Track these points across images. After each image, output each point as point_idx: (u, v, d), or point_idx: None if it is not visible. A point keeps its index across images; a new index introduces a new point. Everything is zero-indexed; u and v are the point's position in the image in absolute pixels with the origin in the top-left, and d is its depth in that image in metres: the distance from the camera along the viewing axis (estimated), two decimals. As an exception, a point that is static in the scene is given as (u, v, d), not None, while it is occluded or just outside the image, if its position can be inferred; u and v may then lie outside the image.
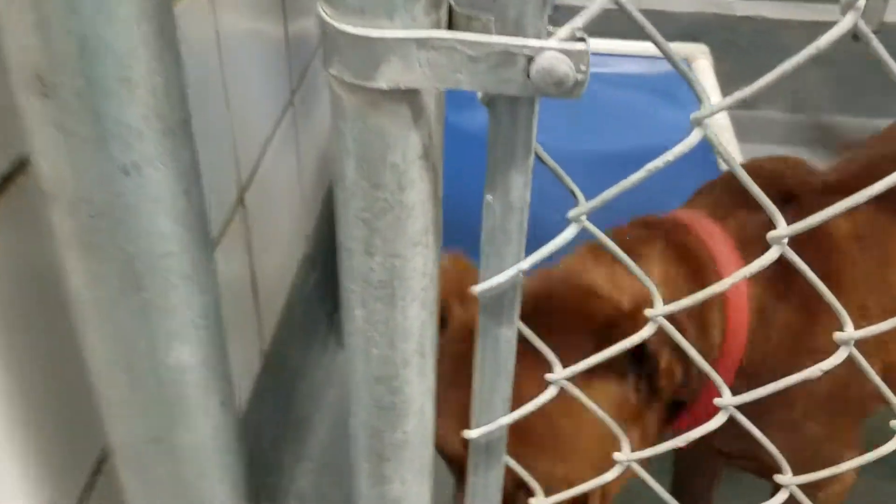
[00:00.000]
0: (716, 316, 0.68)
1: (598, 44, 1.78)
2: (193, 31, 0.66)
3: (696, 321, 0.66)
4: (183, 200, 0.34)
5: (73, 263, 0.34)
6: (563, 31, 0.28)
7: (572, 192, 0.35)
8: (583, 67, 0.28)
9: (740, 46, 1.81)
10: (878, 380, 0.43)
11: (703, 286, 0.38)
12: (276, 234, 0.98)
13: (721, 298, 0.68)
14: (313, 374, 1.19)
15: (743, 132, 1.50)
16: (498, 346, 0.41)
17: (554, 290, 0.66)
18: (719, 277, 0.66)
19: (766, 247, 0.35)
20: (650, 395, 0.64)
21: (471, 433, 0.45)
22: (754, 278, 0.67)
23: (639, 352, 0.61)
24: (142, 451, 0.42)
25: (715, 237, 0.70)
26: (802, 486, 0.49)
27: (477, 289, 0.38)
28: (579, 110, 1.79)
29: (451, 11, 0.30)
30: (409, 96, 0.30)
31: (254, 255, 0.86)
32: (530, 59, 0.28)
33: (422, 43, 0.28)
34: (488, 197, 0.34)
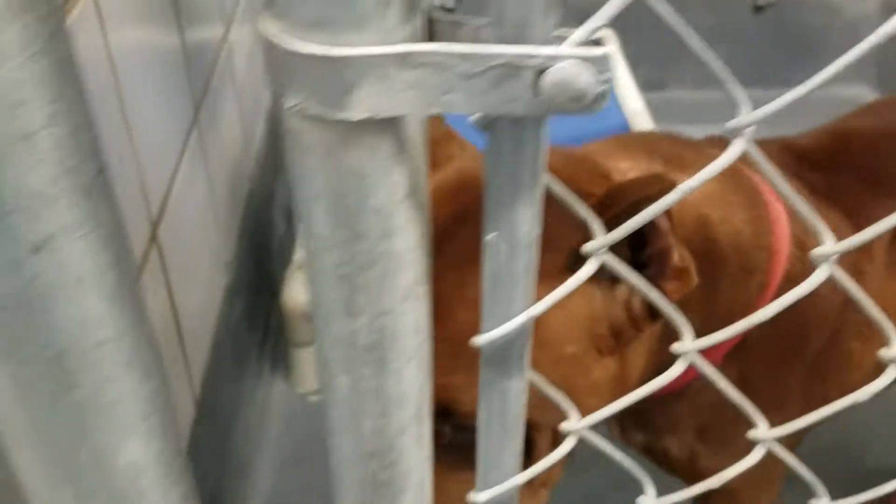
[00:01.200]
0: (763, 256, 0.59)
1: None
2: (82, 53, 0.58)
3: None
4: (113, 273, 0.28)
5: (-17, 364, 0.27)
6: (579, 33, 0.22)
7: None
8: (605, 76, 0.23)
9: (643, 29, 1.80)
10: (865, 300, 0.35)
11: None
12: (195, 267, 0.89)
13: (768, 240, 0.59)
14: (249, 411, 1.11)
15: (655, 114, 1.50)
16: (506, 401, 0.35)
17: (561, 171, 0.52)
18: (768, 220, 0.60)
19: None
20: (644, 313, 0.50)
21: (478, 497, 0.40)
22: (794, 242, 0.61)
23: (638, 249, 0.46)
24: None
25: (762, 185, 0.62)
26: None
27: (480, 340, 0.32)
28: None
29: (430, 18, 0.24)
30: (389, 126, 0.24)
31: (174, 294, 0.78)
32: (540, 71, 0.23)
33: (402, 60, 0.22)
34: (490, 236, 0.29)
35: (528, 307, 0.31)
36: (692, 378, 0.42)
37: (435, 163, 0.56)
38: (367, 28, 0.22)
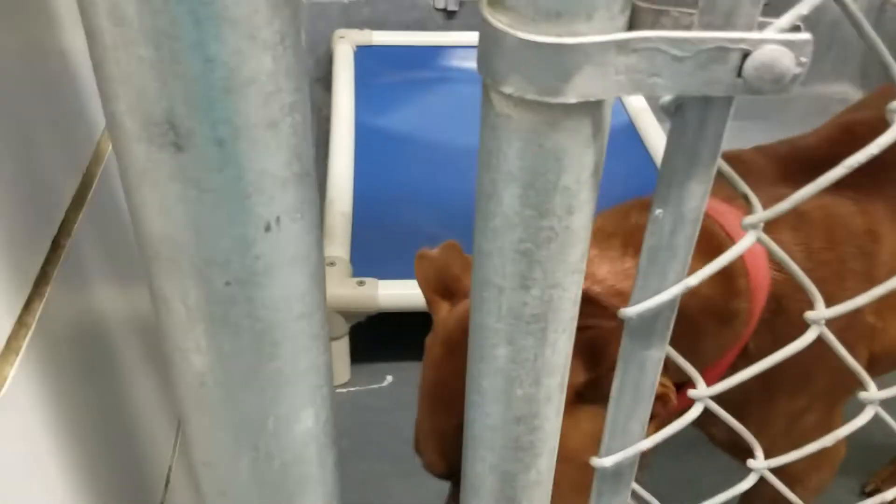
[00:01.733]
0: (742, 302, 0.64)
1: (475, 37, 1.86)
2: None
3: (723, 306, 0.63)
4: (314, 253, 0.30)
5: (197, 342, 0.29)
6: (784, 19, 0.24)
7: (746, 198, 0.32)
8: (804, 60, 0.25)
9: None
10: (850, 360, 0.40)
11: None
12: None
13: (745, 282, 0.64)
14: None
15: (657, 112, 1.53)
16: (644, 370, 0.37)
17: None
18: (742, 260, 0.63)
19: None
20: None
21: (602, 461, 0.42)
22: (774, 264, 0.65)
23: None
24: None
25: (727, 216, 0.66)
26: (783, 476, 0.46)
27: (630, 311, 0.34)
28: (461, 106, 1.81)
29: (633, 7, 0.26)
30: (592, 109, 0.26)
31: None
32: (745, 55, 0.25)
33: (622, 46, 0.25)
34: (658, 212, 0.31)
35: (682, 279, 0.33)
36: None
37: (454, 293, 0.60)
38: (596, 18, 0.24)
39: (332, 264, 1.23)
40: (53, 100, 0.36)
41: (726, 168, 0.30)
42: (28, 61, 0.33)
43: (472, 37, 1.93)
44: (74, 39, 0.39)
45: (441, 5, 2.26)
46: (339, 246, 1.28)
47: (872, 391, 0.42)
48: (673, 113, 0.28)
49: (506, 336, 0.33)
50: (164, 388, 0.54)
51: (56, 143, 0.36)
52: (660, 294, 0.34)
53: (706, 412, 0.41)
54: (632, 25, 0.26)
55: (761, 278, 0.64)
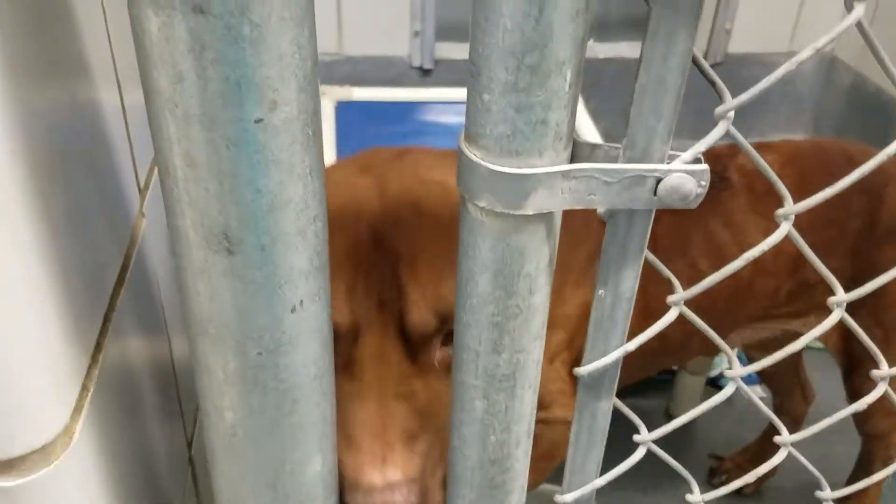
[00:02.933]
0: None
1: (449, 93, 2.01)
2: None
3: None
4: (328, 326, 0.37)
5: (231, 401, 0.36)
6: (688, 154, 0.33)
7: (669, 280, 0.40)
8: (703, 183, 0.33)
9: (604, 86, 1.97)
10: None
11: None
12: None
13: None
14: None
15: None
16: (595, 419, 0.45)
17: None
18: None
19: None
20: None
21: (565, 497, 0.49)
22: None
23: None
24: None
25: None
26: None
27: (582, 370, 0.42)
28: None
29: (574, 143, 0.34)
30: (546, 217, 0.34)
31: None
32: (658, 180, 0.33)
33: (566, 174, 0.33)
34: (600, 291, 0.39)
35: (622, 345, 0.41)
36: None
37: None
38: (545, 155, 0.32)
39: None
40: (101, 189, 0.43)
41: (651, 257, 0.38)
42: (81, 154, 0.40)
43: (446, 93, 2.02)
44: (116, 127, 0.47)
45: (417, 63, 2.37)
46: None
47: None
48: (607, 219, 0.36)
49: (482, 391, 0.41)
50: (174, 431, 0.60)
51: (105, 229, 0.43)
52: (605, 357, 0.41)
53: None
54: (574, 155, 0.35)
55: None
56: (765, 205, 0.90)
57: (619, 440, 0.51)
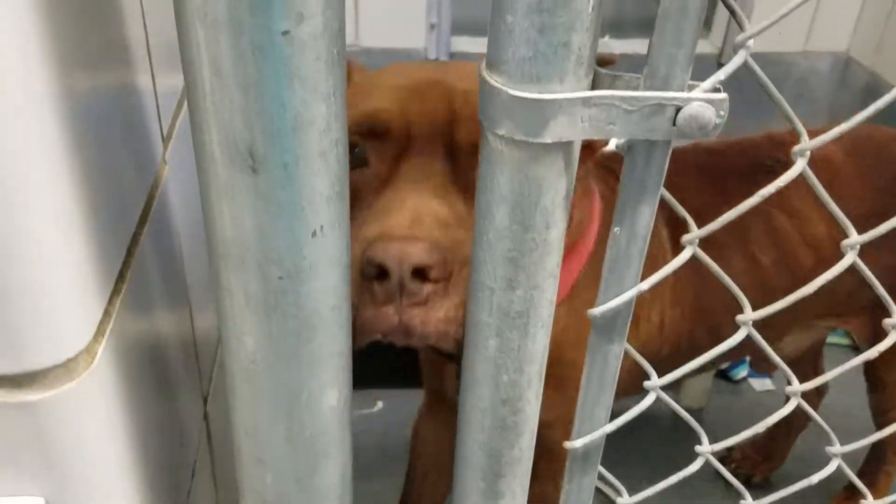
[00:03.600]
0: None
1: None
2: None
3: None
4: (346, 256, 0.37)
5: (251, 325, 0.37)
6: (708, 83, 0.33)
7: (684, 219, 0.40)
8: (722, 113, 0.33)
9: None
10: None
11: None
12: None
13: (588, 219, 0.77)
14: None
15: None
16: (606, 362, 0.45)
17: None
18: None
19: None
20: None
21: (574, 443, 0.49)
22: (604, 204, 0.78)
23: None
24: (282, 494, 0.44)
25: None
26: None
27: (596, 311, 0.42)
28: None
29: (595, 72, 0.35)
30: (565, 147, 0.35)
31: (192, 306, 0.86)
32: (678, 109, 0.33)
33: (586, 101, 0.33)
34: (616, 229, 0.39)
35: (636, 284, 0.41)
36: None
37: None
38: (567, 80, 0.32)
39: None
40: (128, 132, 0.44)
41: (668, 196, 0.39)
42: (111, 99, 0.41)
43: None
44: (143, 76, 0.48)
45: (433, 56, 2.37)
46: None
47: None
48: (626, 152, 0.36)
49: (496, 329, 0.41)
50: (191, 381, 0.61)
51: (131, 169, 0.44)
52: (619, 297, 0.42)
53: None
54: (594, 86, 0.35)
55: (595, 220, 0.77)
56: (829, 190, 0.85)
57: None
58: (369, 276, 0.51)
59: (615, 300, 0.42)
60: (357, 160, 0.60)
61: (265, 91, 0.30)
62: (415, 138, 0.57)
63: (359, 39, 2.24)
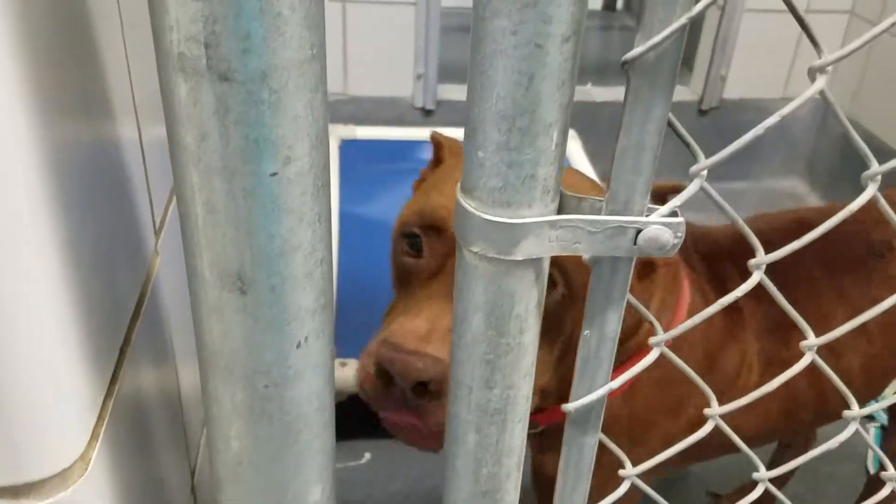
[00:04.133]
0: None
1: (450, 133, 2.09)
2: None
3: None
4: (331, 360, 0.40)
5: (238, 430, 0.39)
6: (665, 208, 0.36)
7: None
8: (679, 234, 0.36)
9: (601, 129, 2.03)
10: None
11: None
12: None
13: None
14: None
15: None
16: (582, 454, 0.47)
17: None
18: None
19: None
20: None
21: (553, 530, 0.51)
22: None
23: None
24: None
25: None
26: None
27: (569, 407, 0.44)
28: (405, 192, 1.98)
29: (561, 195, 0.37)
30: (535, 262, 0.37)
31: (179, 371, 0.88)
32: (638, 231, 0.36)
33: (552, 224, 0.36)
34: (586, 332, 0.41)
35: (606, 383, 0.43)
36: None
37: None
38: (534, 206, 0.35)
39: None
40: (120, 227, 0.46)
41: (633, 300, 0.41)
42: (104, 192, 0.43)
43: (447, 133, 2.07)
44: (136, 167, 0.50)
45: (420, 104, 2.43)
46: (323, 330, 1.35)
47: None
48: (593, 264, 0.39)
49: (475, 425, 0.43)
50: (180, 459, 0.62)
51: (123, 266, 0.46)
52: (591, 393, 0.44)
53: None
54: (561, 206, 0.37)
55: (685, 299, 0.82)
56: None
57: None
58: (379, 373, 0.55)
59: (587, 397, 0.44)
60: (414, 249, 0.66)
61: (254, 225, 0.32)
62: None
63: (347, 88, 2.29)
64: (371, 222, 1.83)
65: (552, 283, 0.66)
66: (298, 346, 0.37)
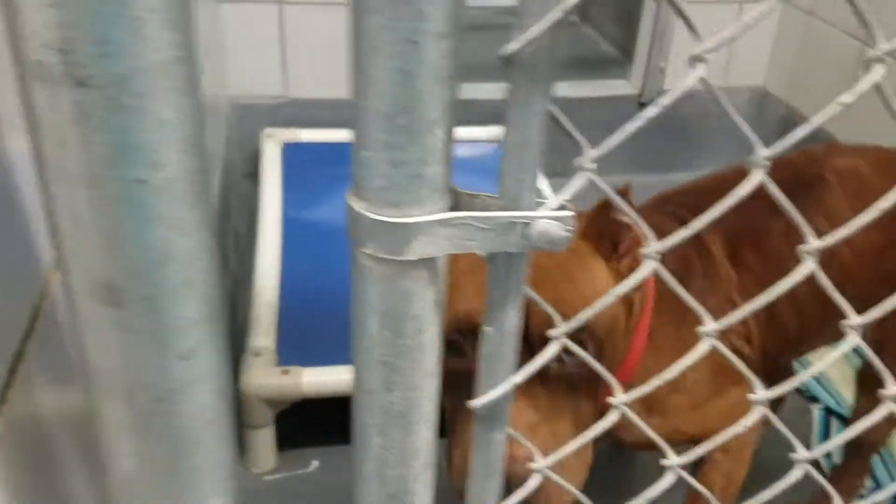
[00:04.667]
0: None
1: None
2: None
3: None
4: (224, 374, 0.38)
5: (125, 447, 0.37)
6: (553, 202, 0.36)
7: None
8: (569, 228, 0.36)
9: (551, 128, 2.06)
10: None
11: None
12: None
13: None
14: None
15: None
16: (490, 449, 0.47)
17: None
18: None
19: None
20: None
21: (466, 527, 0.51)
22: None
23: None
24: None
25: None
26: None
27: (476, 403, 0.44)
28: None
29: (455, 192, 0.37)
30: (428, 262, 0.37)
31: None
32: (527, 225, 0.36)
33: (443, 222, 0.35)
34: (488, 329, 0.41)
35: (509, 376, 0.43)
36: None
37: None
38: (424, 205, 0.34)
39: (258, 355, 1.26)
40: (8, 241, 0.44)
41: (531, 294, 0.41)
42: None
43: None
44: (27, 184, 0.47)
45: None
46: (264, 336, 1.31)
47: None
48: (489, 261, 0.38)
49: (378, 429, 0.42)
50: (92, 483, 0.60)
51: (13, 280, 0.43)
52: (496, 389, 0.44)
53: None
54: (455, 204, 0.37)
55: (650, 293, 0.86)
56: (860, 200, 0.97)
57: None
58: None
59: (492, 393, 0.44)
60: (455, 352, 0.70)
61: (124, 234, 0.31)
62: None
63: (287, 91, 2.22)
64: (315, 226, 1.79)
65: (583, 345, 0.70)
66: (182, 358, 0.35)
